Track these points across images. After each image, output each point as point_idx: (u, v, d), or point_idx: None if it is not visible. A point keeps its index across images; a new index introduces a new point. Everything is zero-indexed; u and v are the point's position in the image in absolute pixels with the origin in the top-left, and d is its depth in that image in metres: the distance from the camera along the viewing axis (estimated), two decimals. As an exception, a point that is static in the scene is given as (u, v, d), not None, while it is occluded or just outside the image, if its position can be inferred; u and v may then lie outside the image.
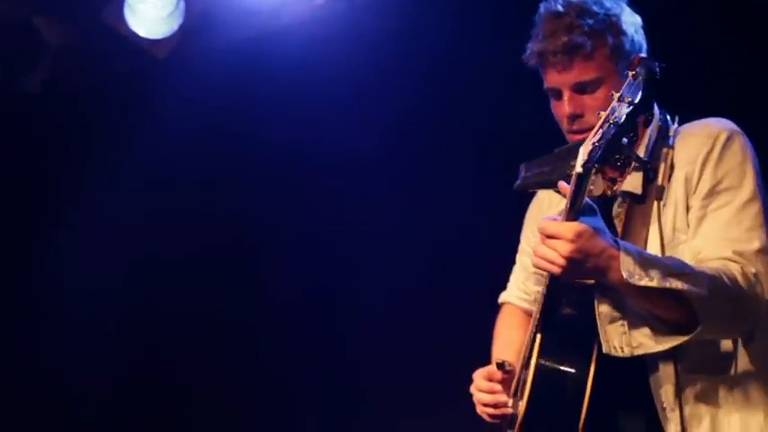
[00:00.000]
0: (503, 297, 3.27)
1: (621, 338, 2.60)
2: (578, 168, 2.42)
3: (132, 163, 4.83)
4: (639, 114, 2.27)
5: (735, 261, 2.61)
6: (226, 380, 5.03)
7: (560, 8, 2.82)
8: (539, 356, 2.67)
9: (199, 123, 4.72)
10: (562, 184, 2.55)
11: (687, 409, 2.64)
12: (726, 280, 2.55)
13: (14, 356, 4.95)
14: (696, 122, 2.84)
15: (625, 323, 2.61)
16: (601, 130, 2.35)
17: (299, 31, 4.66)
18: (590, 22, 2.77)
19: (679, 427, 2.62)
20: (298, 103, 4.63)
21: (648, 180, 2.75)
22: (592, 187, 2.55)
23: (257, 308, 4.96)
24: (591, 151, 2.37)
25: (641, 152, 2.77)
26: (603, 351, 2.60)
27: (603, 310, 2.63)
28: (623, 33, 2.81)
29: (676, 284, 2.49)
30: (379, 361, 4.73)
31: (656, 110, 2.86)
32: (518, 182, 2.92)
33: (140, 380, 5.03)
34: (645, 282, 2.47)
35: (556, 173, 2.71)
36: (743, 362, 2.70)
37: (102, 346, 4.92)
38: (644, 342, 2.58)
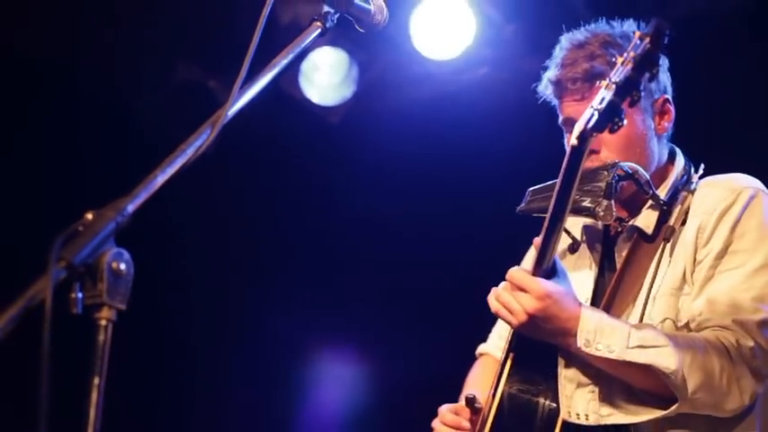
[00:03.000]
0: (481, 348, 3.07)
1: (589, 405, 2.41)
2: (573, 140, 2.18)
3: (304, 229, 4.99)
4: (644, 73, 2.07)
5: (732, 330, 2.43)
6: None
7: (582, 38, 2.68)
8: (506, 383, 2.49)
9: (372, 188, 4.82)
10: (536, 240, 2.38)
11: None
12: (712, 354, 2.38)
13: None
14: (721, 175, 2.69)
15: (596, 390, 2.42)
16: (602, 95, 2.14)
17: (463, 97, 4.74)
18: (614, 52, 2.57)
19: None
20: (465, 166, 4.69)
21: (662, 221, 2.61)
22: (601, 212, 2.43)
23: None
24: (589, 118, 2.13)
25: (663, 192, 2.64)
26: (562, 417, 2.41)
27: (569, 374, 2.44)
28: None
29: (638, 358, 2.33)
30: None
31: (682, 157, 2.75)
32: (522, 205, 2.75)
33: None
34: (602, 353, 2.32)
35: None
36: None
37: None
38: (615, 412, 2.40)
